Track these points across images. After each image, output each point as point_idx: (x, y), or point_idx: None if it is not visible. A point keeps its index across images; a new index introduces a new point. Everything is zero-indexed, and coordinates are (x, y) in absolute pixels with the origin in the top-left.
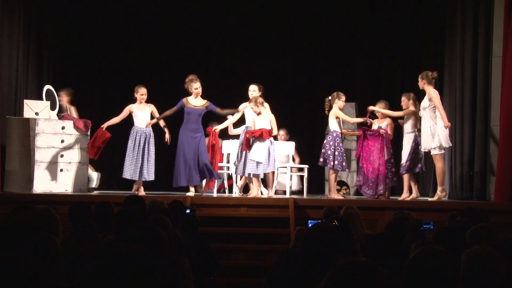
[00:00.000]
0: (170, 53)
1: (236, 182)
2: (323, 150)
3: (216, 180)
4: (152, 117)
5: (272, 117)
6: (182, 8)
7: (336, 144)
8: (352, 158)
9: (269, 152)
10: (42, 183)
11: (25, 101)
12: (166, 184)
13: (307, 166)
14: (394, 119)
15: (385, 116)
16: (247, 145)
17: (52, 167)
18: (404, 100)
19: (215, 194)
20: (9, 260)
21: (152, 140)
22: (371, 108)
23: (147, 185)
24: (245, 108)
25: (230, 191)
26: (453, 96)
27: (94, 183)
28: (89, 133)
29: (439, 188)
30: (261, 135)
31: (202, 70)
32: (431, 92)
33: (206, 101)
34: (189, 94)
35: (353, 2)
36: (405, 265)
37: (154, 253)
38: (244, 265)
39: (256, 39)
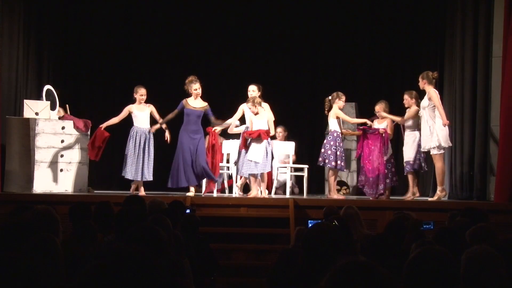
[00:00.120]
0: (170, 53)
1: (236, 182)
2: (322, 150)
3: (216, 182)
4: (151, 117)
5: (270, 117)
6: (182, 8)
7: (336, 144)
8: (352, 158)
9: (266, 152)
10: (42, 183)
11: (25, 101)
12: (166, 184)
13: (307, 166)
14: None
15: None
16: (244, 145)
17: (52, 167)
18: (406, 98)
19: (215, 194)
20: (9, 260)
21: (151, 140)
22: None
23: (147, 185)
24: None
25: (230, 191)
26: (453, 96)
27: None
28: (89, 133)
29: (438, 188)
30: (258, 136)
31: (202, 71)
32: (431, 91)
33: (206, 104)
34: (189, 95)
35: (353, 2)
36: (405, 265)
37: (154, 253)
38: (244, 265)
39: (256, 39)
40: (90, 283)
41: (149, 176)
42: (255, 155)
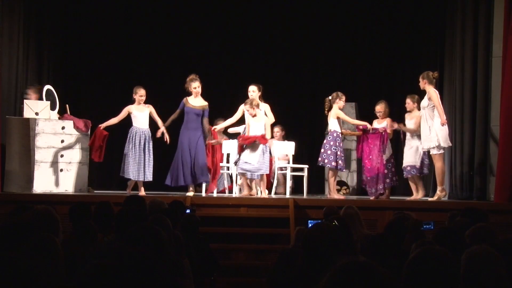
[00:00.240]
0: (170, 53)
1: (236, 182)
2: (322, 150)
3: (217, 184)
4: (150, 118)
5: (267, 120)
6: (182, 8)
7: (336, 144)
8: (352, 158)
9: (263, 154)
10: (42, 183)
11: (25, 101)
12: (164, 181)
13: (307, 166)
14: (394, 119)
15: (386, 116)
16: (240, 150)
17: (52, 167)
18: (409, 102)
19: (215, 194)
20: (9, 260)
21: (151, 141)
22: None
23: (147, 185)
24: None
25: (230, 191)
26: (453, 96)
27: None
28: (89, 133)
29: (438, 188)
30: (254, 142)
31: (202, 70)
32: (431, 91)
33: (206, 103)
34: (190, 94)
35: (353, 2)
36: (405, 265)
37: (154, 253)
38: (244, 265)
39: (256, 39)
40: (90, 283)
41: (150, 176)
42: (250, 157)
